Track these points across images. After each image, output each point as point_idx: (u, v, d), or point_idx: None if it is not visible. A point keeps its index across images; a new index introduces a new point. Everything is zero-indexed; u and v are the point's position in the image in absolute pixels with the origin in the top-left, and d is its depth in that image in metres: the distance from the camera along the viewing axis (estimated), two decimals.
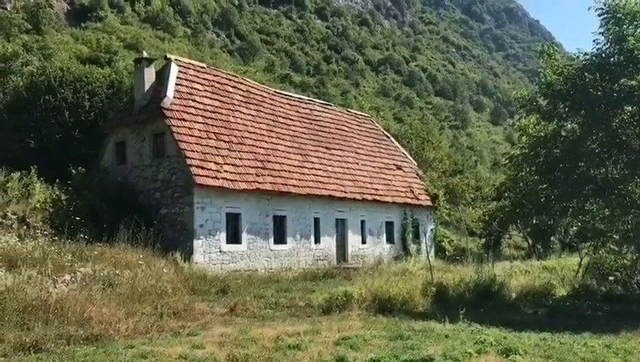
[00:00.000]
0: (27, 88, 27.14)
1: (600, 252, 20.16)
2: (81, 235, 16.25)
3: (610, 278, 19.07)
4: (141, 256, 16.22)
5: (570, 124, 18.50)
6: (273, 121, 26.89)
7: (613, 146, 17.28)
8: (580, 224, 21.86)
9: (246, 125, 24.78)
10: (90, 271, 14.19)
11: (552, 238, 35.67)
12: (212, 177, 20.89)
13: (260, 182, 22.71)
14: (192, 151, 20.89)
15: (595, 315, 15.42)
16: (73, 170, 21.87)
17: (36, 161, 22.88)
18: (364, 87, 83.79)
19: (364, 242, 28.35)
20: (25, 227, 17.70)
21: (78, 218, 18.17)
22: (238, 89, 26.40)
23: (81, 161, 23.02)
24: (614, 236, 18.61)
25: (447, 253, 32.86)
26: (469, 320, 12.36)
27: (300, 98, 32.74)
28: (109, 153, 23.78)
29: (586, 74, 16.96)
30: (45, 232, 17.50)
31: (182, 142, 20.86)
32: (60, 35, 49.75)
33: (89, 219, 18.59)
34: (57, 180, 21.54)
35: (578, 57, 17.92)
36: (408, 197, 31.39)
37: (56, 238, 16.24)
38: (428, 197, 33.04)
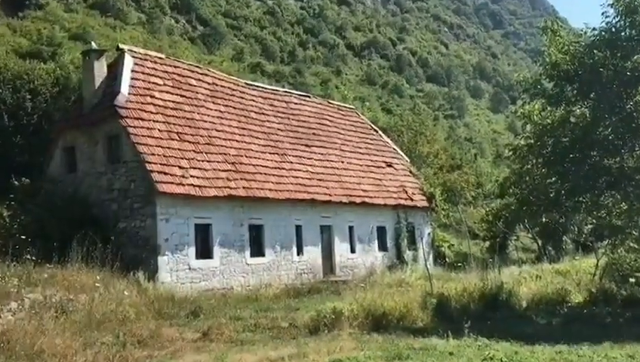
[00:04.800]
0: None
1: (618, 251, 20.39)
2: (28, 256, 16.04)
3: (631, 280, 19.28)
4: (98, 278, 16.08)
5: (580, 109, 18.71)
6: (244, 117, 26.84)
7: (628, 132, 17.50)
8: (594, 221, 22.07)
9: (214, 123, 24.70)
10: (39, 297, 14.06)
11: (564, 238, 36.06)
12: (177, 184, 20.78)
13: (232, 188, 22.65)
14: (153, 154, 20.76)
15: (615, 322, 15.60)
16: (16, 182, 21.61)
17: None
18: (346, 74, 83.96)
19: (353, 251, 28.40)
20: None
21: (23, 236, 17.98)
22: (203, 82, 26.31)
23: (25, 171, 22.76)
24: (634, 233, 18.83)
25: (447, 259, 33.07)
26: (475, 335, 12.48)
27: (274, 90, 32.75)
28: (56, 161, 23.54)
29: (595, 51, 17.14)
30: None
31: (140, 144, 20.72)
32: None
33: (36, 237, 18.36)
34: None
35: (586, 33, 18.15)
36: (401, 198, 31.52)
37: None
38: (423, 198, 33.22)
